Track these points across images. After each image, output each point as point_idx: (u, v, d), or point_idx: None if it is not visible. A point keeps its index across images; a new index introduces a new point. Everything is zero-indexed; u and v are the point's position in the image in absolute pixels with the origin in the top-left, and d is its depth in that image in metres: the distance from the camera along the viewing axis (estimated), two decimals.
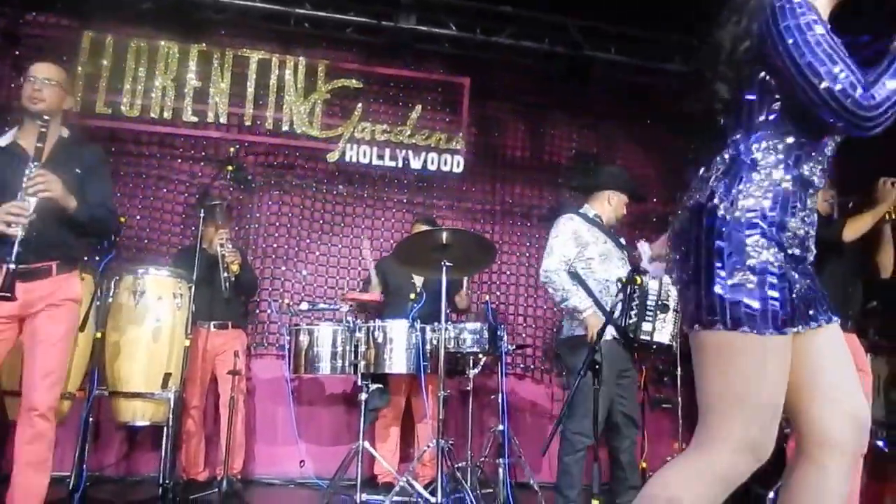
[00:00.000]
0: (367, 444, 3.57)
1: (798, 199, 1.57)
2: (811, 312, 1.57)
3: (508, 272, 5.26)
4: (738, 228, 1.54)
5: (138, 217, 4.73)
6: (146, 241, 4.73)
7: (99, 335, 3.36)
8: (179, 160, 4.91)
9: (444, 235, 3.34)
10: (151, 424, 3.57)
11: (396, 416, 4.31)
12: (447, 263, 3.33)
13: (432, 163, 5.14)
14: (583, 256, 3.38)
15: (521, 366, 5.13)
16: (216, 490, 3.73)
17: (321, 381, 4.76)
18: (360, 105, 5.11)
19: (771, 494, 3.58)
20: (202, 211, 3.71)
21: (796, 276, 1.56)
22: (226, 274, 3.98)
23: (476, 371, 3.97)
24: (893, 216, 3.11)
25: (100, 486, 3.85)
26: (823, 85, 1.44)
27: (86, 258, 3.31)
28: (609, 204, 3.55)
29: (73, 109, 3.01)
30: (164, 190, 4.84)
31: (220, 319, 4.11)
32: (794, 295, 1.54)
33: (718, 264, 1.53)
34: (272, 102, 4.99)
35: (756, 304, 1.50)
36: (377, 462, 4.02)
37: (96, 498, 3.36)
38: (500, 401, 3.91)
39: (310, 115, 5.03)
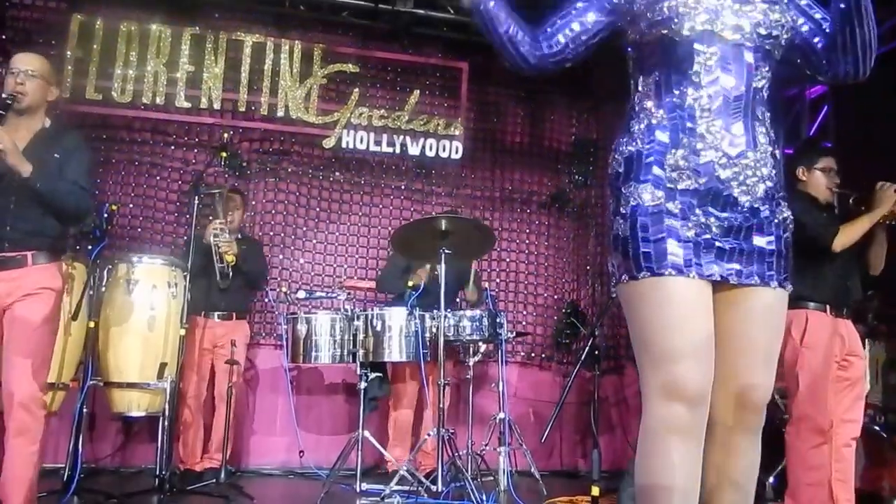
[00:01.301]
0: (367, 434, 3.53)
1: (680, 129, 1.51)
2: (714, 260, 1.48)
3: (508, 259, 5.21)
4: (617, 178, 1.55)
5: (131, 205, 4.65)
6: (139, 229, 4.65)
7: (92, 325, 3.30)
8: (172, 147, 4.82)
9: (444, 222, 3.31)
10: (147, 415, 3.52)
11: (410, 405, 4.22)
12: (446, 251, 3.30)
13: (430, 149, 5.07)
14: None
15: (522, 353, 5.09)
16: (214, 481, 3.71)
17: (320, 371, 4.71)
18: (356, 90, 5.02)
19: (770, 479, 3.58)
20: (196, 199, 3.64)
21: (698, 213, 1.48)
22: (221, 264, 3.91)
23: (476, 359, 3.94)
24: (890, 221, 3.06)
25: (95, 477, 3.80)
26: None
27: (77, 247, 3.24)
28: None
29: (59, 97, 2.89)
30: (157, 177, 4.75)
31: (223, 310, 4.05)
32: (679, 235, 1.46)
33: (609, 222, 1.57)
34: (267, 87, 4.89)
35: (629, 251, 1.49)
36: (378, 451, 3.99)
37: (91, 489, 3.30)
38: (500, 389, 3.89)
39: (305, 101, 4.94)
